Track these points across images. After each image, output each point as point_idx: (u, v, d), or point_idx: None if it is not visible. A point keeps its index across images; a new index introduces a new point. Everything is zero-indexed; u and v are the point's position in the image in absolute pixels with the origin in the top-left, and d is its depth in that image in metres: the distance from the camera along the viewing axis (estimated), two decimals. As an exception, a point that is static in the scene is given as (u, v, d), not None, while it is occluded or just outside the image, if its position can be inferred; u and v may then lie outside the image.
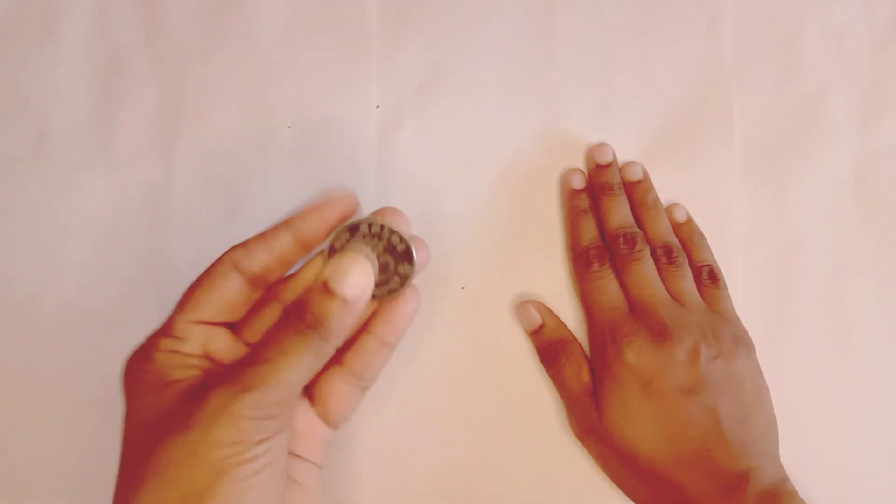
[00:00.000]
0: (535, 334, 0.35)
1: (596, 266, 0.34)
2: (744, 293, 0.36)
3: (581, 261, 0.35)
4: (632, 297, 0.33)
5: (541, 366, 0.36)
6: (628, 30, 0.38)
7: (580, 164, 0.38)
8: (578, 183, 0.36)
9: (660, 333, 0.32)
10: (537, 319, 0.35)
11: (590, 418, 0.33)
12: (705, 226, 0.37)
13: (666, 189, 0.37)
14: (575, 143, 0.38)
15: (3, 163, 0.38)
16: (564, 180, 0.37)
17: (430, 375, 0.36)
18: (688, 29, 0.38)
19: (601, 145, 0.37)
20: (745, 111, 0.38)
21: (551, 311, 0.36)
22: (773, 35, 0.38)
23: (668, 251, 0.35)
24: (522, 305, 0.36)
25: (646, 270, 0.34)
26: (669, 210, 0.37)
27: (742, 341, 0.33)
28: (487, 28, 0.38)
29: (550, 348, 0.35)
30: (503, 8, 0.38)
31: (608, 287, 0.34)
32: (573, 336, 0.35)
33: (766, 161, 0.37)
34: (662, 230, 0.35)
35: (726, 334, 0.33)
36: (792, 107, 0.38)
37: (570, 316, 0.36)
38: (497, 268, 0.37)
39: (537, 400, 0.36)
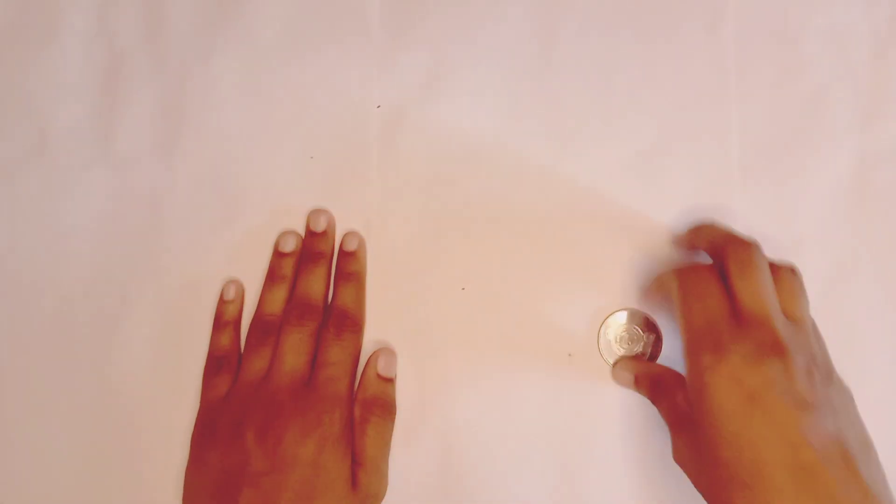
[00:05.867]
0: (638, 387, 0.34)
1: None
2: (744, 293, 0.36)
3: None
4: (741, 306, 0.29)
5: (539, 367, 0.36)
6: (630, 31, 0.38)
7: (582, 165, 0.37)
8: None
9: (771, 347, 0.28)
10: (629, 379, 0.35)
11: (687, 443, 0.30)
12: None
13: (666, 190, 0.37)
14: (576, 143, 0.38)
15: (3, 163, 0.38)
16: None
17: (430, 376, 0.36)
18: (689, 30, 0.38)
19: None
20: (745, 111, 0.38)
21: (635, 363, 0.35)
22: (773, 35, 0.38)
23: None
24: (615, 373, 0.36)
25: (764, 279, 0.30)
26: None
27: (843, 382, 0.31)
28: (488, 29, 0.38)
29: (651, 391, 0.33)
30: (504, 9, 0.38)
31: (712, 290, 0.30)
32: (664, 368, 0.34)
33: (766, 161, 0.37)
34: None
35: (832, 366, 0.31)
36: (792, 107, 0.38)
37: (570, 316, 0.36)
38: (497, 268, 0.37)
39: (538, 400, 0.36)
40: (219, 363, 0.35)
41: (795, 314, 0.30)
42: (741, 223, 0.37)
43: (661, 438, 0.35)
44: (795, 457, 0.26)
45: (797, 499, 0.26)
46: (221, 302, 0.37)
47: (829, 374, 0.30)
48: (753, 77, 0.38)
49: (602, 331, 0.36)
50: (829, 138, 0.37)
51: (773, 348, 0.28)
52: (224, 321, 0.36)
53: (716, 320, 0.29)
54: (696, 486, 0.29)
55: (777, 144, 0.37)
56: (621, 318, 0.36)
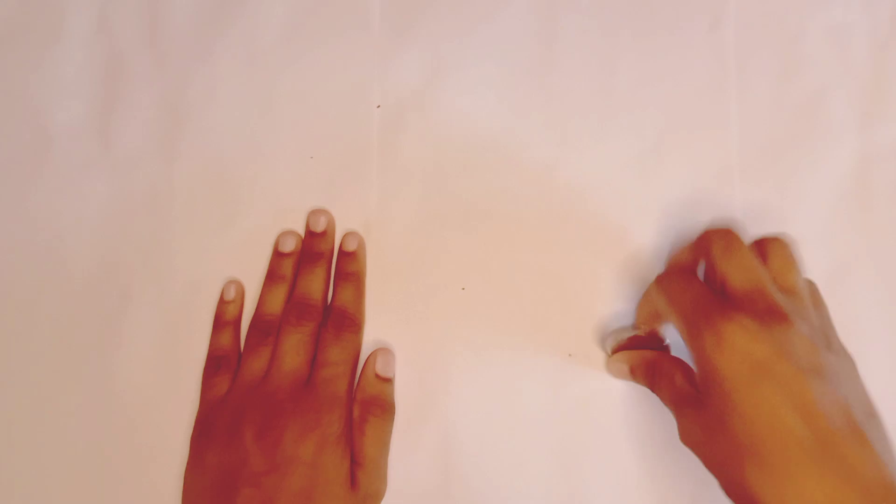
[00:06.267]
0: (634, 376, 0.34)
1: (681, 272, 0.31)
2: (744, 293, 0.36)
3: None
4: (732, 286, 0.29)
5: (539, 366, 0.36)
6: (630, 30, 0.38)
7: (582, 165, 0.37)
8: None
9: (771, 314, 0.27)
10: (625, 369, 0.34)
11: (694, 422, 0.29)
12: (705, 225, 0.36)
13: (666, 189, 0.37)
14: (576, 143, 0.38)
15: (3, 163, 0.38)
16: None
17: (430, 376, 0.36)
18: (689, 29, 0.38)
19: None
20: (745, 111, 0.38)
21: (629, 353, 0.35)
22: (773, 35, 0.38)
23: None
24: (610, 365, 0.35)
25: (748, 255, 0.29)
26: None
27: (845, 350, 0.30)
28: (489, 28, 0.38)
29: (648, 378, 0.33)
30: (505, 8, 0.38)
31: (692, 281, 0.30)
32: (658, 353, 0.34)
33: (766, 161, 0.37)
34: None
35: (833, 333, 0.30)
36: (792, 107, 0.38)
37: (570, 316, 0.36)
38: (497, 268, 0.37)
39: (538, 400, 0.36)
40: (218, 363, 0.35)
41: (787, 284, 0.30)
42: (741, 223, 0.37)
43: (661, 438, 0.35)
44: (807, 424, 0.26)
45: (811, 466, 0.25)
46: (222, 302, 0.37)
47: (828, 340, 0.29)
48: (753, 76, 0.38)
49: (605, 331, 0.36)
50: (829, 138, 0.38)
51: (774, 315, 0.27)
52: (224, 321, 0.36)
53: (705, 302, 0.29)
54: (706, 466, 0.29)
55: (777, 144, 0.37)
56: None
